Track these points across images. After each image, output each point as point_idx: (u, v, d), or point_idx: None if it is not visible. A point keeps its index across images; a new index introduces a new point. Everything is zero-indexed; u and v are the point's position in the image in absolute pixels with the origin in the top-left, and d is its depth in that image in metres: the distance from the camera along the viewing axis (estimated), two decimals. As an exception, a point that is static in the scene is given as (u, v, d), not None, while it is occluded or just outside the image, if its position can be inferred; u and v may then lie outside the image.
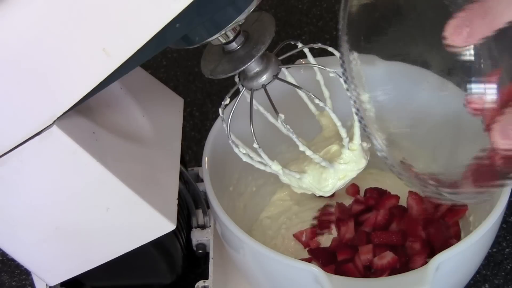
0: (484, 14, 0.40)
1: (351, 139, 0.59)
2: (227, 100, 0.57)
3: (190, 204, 0.67)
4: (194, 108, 0.92)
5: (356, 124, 0.58)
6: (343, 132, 0.57)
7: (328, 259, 0.66)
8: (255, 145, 0.55)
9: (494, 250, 0.71)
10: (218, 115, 0.58)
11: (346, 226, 0.67)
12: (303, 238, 0.70)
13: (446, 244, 0.64)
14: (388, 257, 0.63)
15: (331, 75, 0.55)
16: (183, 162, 0.64)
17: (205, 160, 0.64)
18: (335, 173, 0.59)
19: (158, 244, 0.58)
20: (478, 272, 0.68)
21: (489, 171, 0.46)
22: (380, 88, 0.49)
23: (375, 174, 0.77)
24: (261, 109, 0.62)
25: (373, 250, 0.64)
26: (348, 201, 0.72)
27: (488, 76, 0.46)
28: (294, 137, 0.55)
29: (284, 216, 0.73)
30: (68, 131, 0.49)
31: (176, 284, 0.66)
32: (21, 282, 0.76)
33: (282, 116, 0.54)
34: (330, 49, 0.58)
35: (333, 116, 0.56)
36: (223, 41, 0.52)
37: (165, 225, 0.55)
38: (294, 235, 0.71)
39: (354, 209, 0.69)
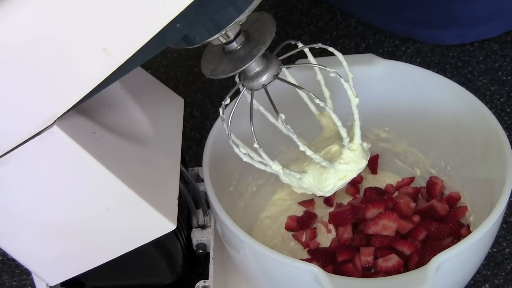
0: None
1: (351, 139, 0.59)
2: (228, 100, 0.57)
3: (191, 204, 0.67)
4: (194, 108, 0.92)
5: (357, 124, 0.58)
6: (343, 132, 0.57)
7: (328, 260, 0.66)
8: (256, 145, 0.55)
9: (494, 250, 0.71)
10: (219, 115, 0.58)
11: (344, 227, 0.67)
12: (303, 239, 0.70)
13: (446, 244, 0.64)
14: (393, 260, 0.63)
15: (332, 75, 0.55)
16: (183, 162, 0.64)
17: (206, 160, 0.64)
18: (336, 173, 0.59)
19: (159, 244, 0.58)
20: (478, 272, 0.68)
21: None
22: None
23: (375, 174, 0.77)
24: (262, 109, 0.62)
25: (374, 252, 0.64)
26: (348, 201, 0.72)
27: None
28: (294, 137, 0.55)
29: (284, 216, 0.73)
30: (68, 131, 0.49)
31: (177, 284, 0.66)
32: (21, 282, 0.76)
33: (282, 116, 0.54)
34: (330, 49, 0.58)
35: (334, 116, 0.56)
36: (224, 41, 0.52)
37: (165, 225, 0.55)
38: (294, 236, 0.71)
39: (353, 203, 0.69)
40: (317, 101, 0.55)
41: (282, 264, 0.55)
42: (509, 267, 0.70)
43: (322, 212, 0.72)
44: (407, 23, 0.94)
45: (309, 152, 0.56)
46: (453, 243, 0.65)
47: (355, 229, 0.67)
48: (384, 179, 0.76)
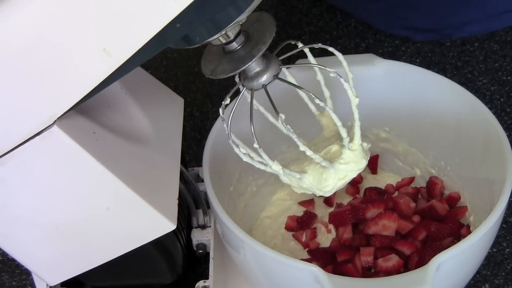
0: None
1: (351, 139, 0.59)
2: (228, 100, 0.57)
3: (191, 204, 0.67)
4: (194, 108, 0.92)
5: (357, 124, 0.58)
6: (343, 132, 0.57)
7: (328, 260, 0.66)
8: (256, 145, 0.55)
9: (494, 250, 0.71)
10: (219, 115, 0.58)
11: (344, 227, 0.67)
12: (303, 239, 0.70)
13: (446, 244, 0.64)
14: (393, 260, 0.63)
15: (332, 75, 0.55)
16: (183, 162, 0.64)
17: (206, 160, 0.64)
18: (336, 173, 0.59)
19: (159, 244, 0.58)
20: (478, 272, 0.68)
21: None
22: None
23: (375, 174, 0.77)
24: (262, 109, 0.62)
25: (374, 252, 0.64)
26: (348, 201, 0.72)
27: None
28: (294, 137, 0.55)
29: (284, 216, 0.73)
30: (68, 131, 0.49)
31: (177, 284, 0.66)
32: (21, 282, 0.76)
33: (282, 116, 0.54)
34: (330, 49, 0.58)
35: (334, 116, 0.56)
36: (224, 41, 0.52)
37: (166, 225, 0.55)
38: (294, 236, 0.71)
39: (353, 203, 0.69)
40: (317, 101, 0.55)
41: (282, 264, 0.55)
42: (509, 267, 0.70)
43: (322, 212, 0.72)
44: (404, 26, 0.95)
45: (309, 152, 0.56)
46: (453, 243, 0.65)
47: (355, 229, 0.67)
48: (384, 179, 0.76)
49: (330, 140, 0.62)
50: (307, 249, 0.69)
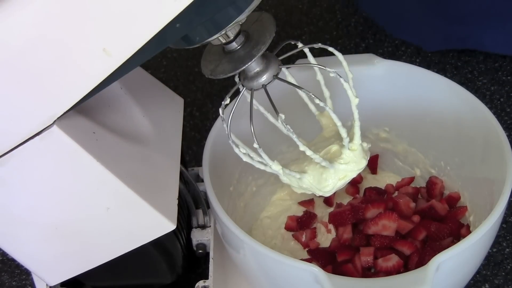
0: None
1: (351, 139, 0.59)
2: (227, 100, 0.57)
3: (190, 204, 0.67)
4: (194, 108, 0.92)
5: (357, 124, 0.58)
6: (343, 132, 0.57)
7: (328, 260, 0.66)
8: (255, 145, 0.55)
9: (494, 250, 0.71)
10: (218, 115, 0.58)
11: (344, 227, 0.67)
12: (303, 239, 0.70)
13: (446, 244, 0.64)
14: (393, 260, 0.63)
15: (331, 75, 0.55)
16: (183, 162, 0.64)
17: (206, 160, 0.64)
18: (335, 173, 0.59)
19: (158, 244, 0.58)
20: (478, 272, 0.68)
21: None
22: None
23: (375, 174, 0.77)
24: (261, 109, 0.62)
25: (374, 252, 0.64)
26: (348, 201, 0.72)
27: None
28: (294, 137, 0.55)
29: (284, 216, 0.73)
30: (68, 131, 0.49)
31: (176, 284, 0.66)
32: (21, 282, 0.76)
33: (282, 116, 0.54)
34: (330, 49, 0.58)
35: (334, 116, 0.57)
36: (223, 41, 0.52)
37: (165, 225, 0.55)
38: (294, 236, 0.71)
39: (353, 203, 0.69)
40: (317, 101, 0.55)
41: (282, 264, 0.55)
42: (509, 267, 0.70)
43: (322, 212, 0.72)
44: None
45: (309, 152, 0.56)
46: (453, 243, 0.65)
47: (355, 229, 0.67)
48: (384, 179, 0.76)
49: (330, 140, 0.62)
50: (307, 249, 0.69)
